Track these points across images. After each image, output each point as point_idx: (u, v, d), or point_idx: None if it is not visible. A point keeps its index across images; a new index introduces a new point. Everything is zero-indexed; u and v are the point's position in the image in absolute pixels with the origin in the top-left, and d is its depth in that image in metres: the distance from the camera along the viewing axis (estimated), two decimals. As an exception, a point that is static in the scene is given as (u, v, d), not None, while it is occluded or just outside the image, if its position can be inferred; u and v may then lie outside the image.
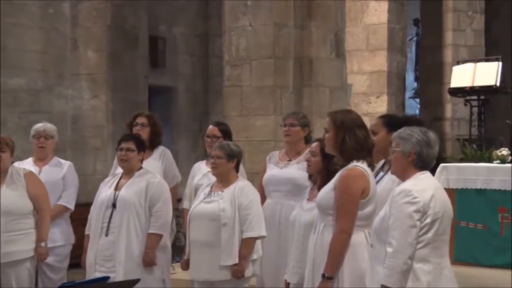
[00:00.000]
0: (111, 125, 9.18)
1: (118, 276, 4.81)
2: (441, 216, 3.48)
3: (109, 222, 4.96)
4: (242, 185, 4.81)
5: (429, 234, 3.43)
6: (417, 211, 3.40)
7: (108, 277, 4.38)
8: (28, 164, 5.62)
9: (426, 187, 3.49)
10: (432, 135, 3.59)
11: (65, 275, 5.65)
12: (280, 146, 6.07)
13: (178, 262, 6.26)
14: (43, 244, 5.14)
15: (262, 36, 7.46)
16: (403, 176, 3.58)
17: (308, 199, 4.34)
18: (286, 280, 4.36)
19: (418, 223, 3.40)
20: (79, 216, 5.71)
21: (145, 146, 5.23)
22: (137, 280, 4.05)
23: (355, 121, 3.92)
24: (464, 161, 7.35)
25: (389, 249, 3.39)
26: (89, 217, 5.17)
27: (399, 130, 3.62)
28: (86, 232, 5.14)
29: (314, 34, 7.70)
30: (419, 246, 3.41)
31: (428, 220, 3.43)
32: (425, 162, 3.56)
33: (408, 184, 3.49)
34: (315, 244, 3.90)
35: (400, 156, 3.56)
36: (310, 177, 4.41)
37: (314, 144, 4.33)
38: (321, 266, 3.81)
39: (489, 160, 7.08)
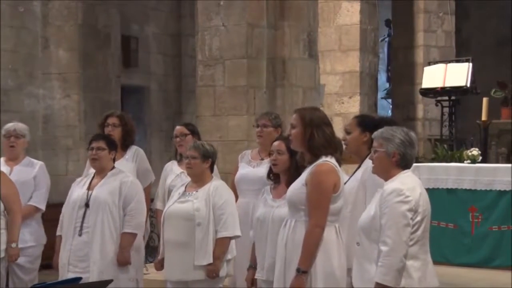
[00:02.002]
0: (83, 125, 9.11)
1: (92, 276, 4.78)
2: (427, 214, 3.55)
3: (82, 222, 4.92)
4: (216, 185, 4.80)
5: (419, 232, 3.49)
6: (410, 210, 3.45)
7: (80, 278, 4.33)
8: (-1, 164, 5.56)
9: (414, 186, 3.54)
10: (413, 135, 3.64)
11: (36, 276, 5.60)
12: (253, 146, 6.06)
13: (151, 262, 6.23)
14: (14, 245, 5.10)
15: (235, 36, 7.45)
16: (386, 176, 3.61)
17: (273, 197, 4.32)
18: (254, 277, 4.33)
19: (411, 221, 3.46)
20: (51, 217, 5.65)
21: (116, 145, 5.19)
22: (110, 281, 4.02)
23: (322, 119, 3.98)
24: (435, 161, 7.41)
25: (384, 248, 3.42)
26: (60, 217, 5.12)
27: (380, 130, 3.65)
28: (58, 233, 5.08)
29: (287, 34, 7.71)
30: (410, 243, 3.46)
31: (418, 218, 3.49)
32: (408, 162, 3.61)
33: (397, 183, 3.52)
34: (286, 241, 3.90)
35: (384, 156, 3.59)
36: (269, 175, 4.39)
37: (277, 142, 4.31)
38: (292, 263, 3.82)
39: (460, 160, 7.15)
